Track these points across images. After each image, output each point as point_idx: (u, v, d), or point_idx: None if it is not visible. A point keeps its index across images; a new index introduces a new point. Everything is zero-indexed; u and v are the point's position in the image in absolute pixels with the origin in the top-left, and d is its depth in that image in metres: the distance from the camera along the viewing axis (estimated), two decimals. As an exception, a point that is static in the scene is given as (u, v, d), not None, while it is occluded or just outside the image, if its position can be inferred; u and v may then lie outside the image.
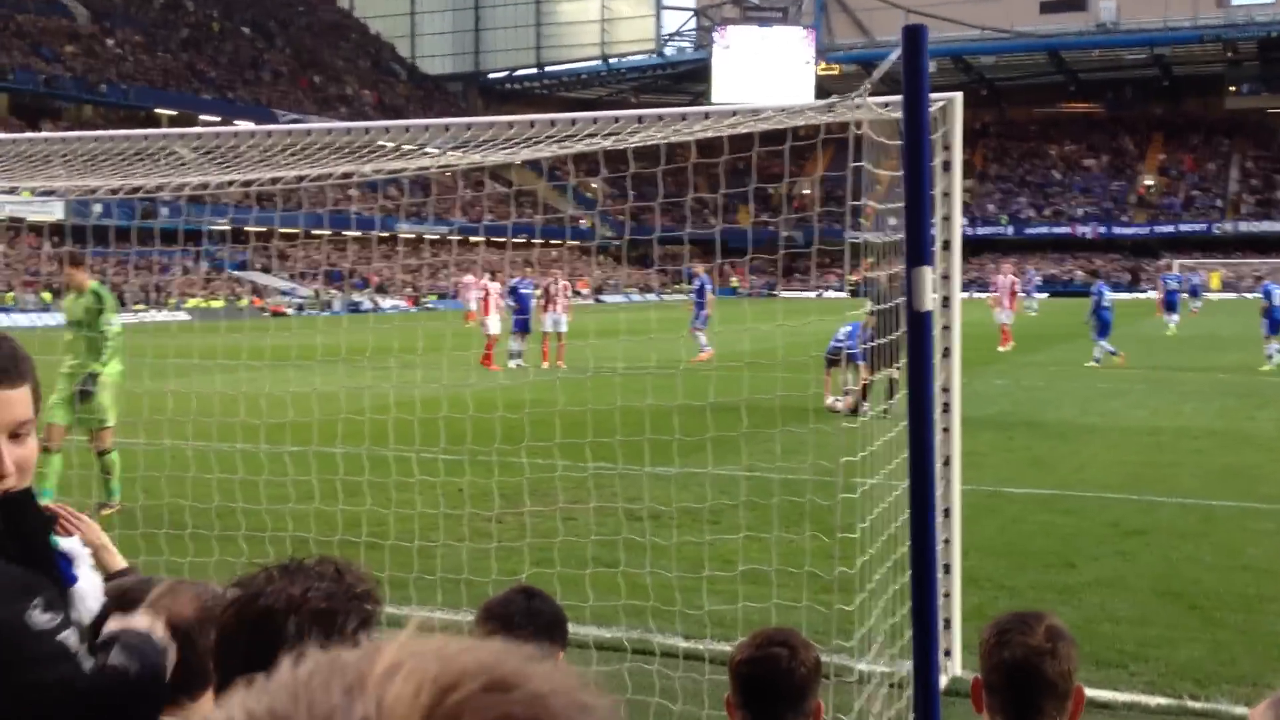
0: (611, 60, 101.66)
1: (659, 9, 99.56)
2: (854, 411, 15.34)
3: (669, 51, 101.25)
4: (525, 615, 2.97)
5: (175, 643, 2.45)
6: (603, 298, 63.27)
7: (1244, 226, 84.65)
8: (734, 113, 6.62)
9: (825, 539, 6.43)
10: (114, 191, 9.37)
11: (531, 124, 6.95)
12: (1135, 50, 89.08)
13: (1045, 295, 62.30)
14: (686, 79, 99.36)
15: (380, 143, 7.82)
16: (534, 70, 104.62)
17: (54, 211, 39.98)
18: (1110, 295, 26.25)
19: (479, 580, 6.85)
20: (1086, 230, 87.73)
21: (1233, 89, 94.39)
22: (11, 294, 47.32)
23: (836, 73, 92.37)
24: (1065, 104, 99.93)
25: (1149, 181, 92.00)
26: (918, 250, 4.23)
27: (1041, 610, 2.86)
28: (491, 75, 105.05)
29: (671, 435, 7.14)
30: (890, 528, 5.08)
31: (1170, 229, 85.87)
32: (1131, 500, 10.86)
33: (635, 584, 6.89)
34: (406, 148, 7.90)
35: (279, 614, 2.05)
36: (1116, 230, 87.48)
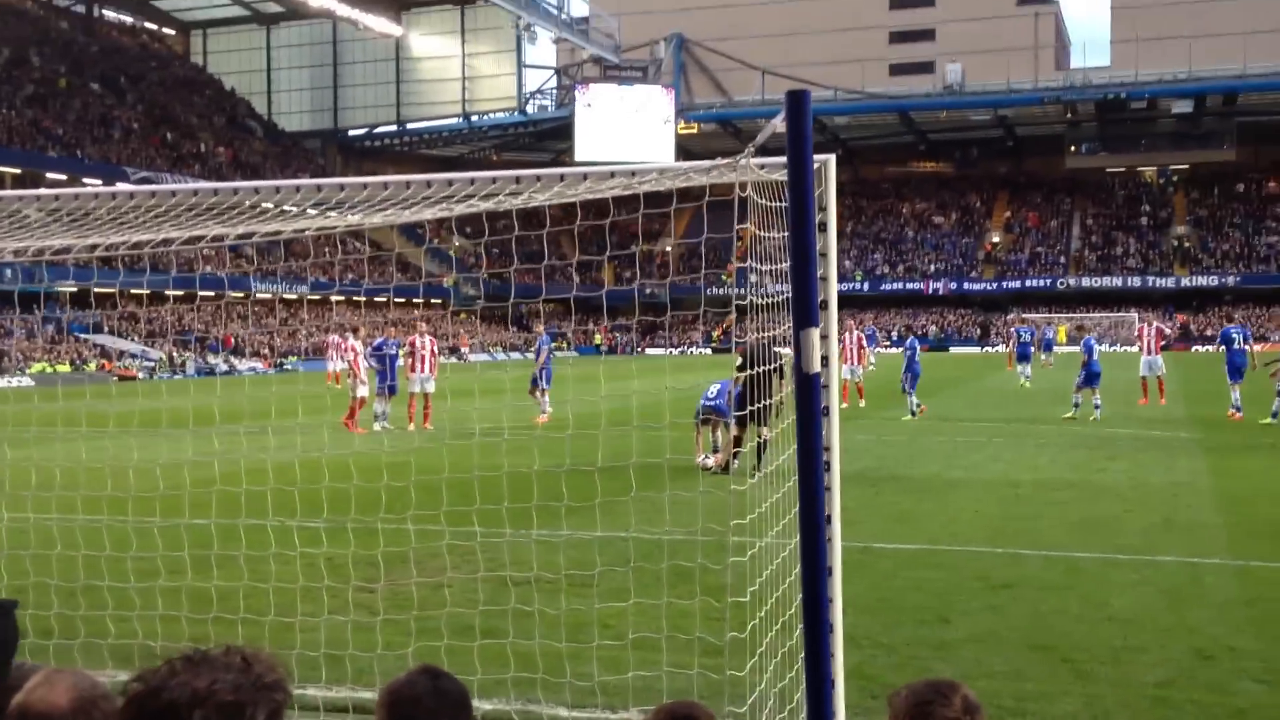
0: (473, 118, 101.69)
1: (520, 67, 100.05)
2: (725, 469, 15.42)
3: (531, 109, 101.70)
4: (433, 697, 2.84)
5: None
6: (468, 356, 62.77)
7: (1086, 281, 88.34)
8: (613, 174, 6.60)
9: (715, 603, 6.37)
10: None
11: (407, 184, 6.83)
12: (980, 111, 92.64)
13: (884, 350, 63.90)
14: (549, 136, 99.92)
15: (242, 202, 7.61)
16: (394, 127, 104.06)
17: (-112, 273, 38.32)
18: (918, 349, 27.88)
19: (363, 655, 6.61)
20: (939, 286, 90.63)
21: (1073, 149, 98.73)
22: None
23: (696, 131, 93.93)
24: (916, 163, 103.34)
25: (996, 238, 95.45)
26: (805, 312, 4.25)
27: (953, 680, 2.83)
28: (351, 132, 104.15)
29: (560, 500, 7.02)
30: (779, 589, 5.05)
31: (1017, 284, 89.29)
32: (998, 553, 11.06)
33: (523, 654, 6.71)
34: (264, 206, 7.70)
35: (183, 708, 1.96)
36: (967, 286, 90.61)
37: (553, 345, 26.60)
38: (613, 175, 6.32)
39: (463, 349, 58.84)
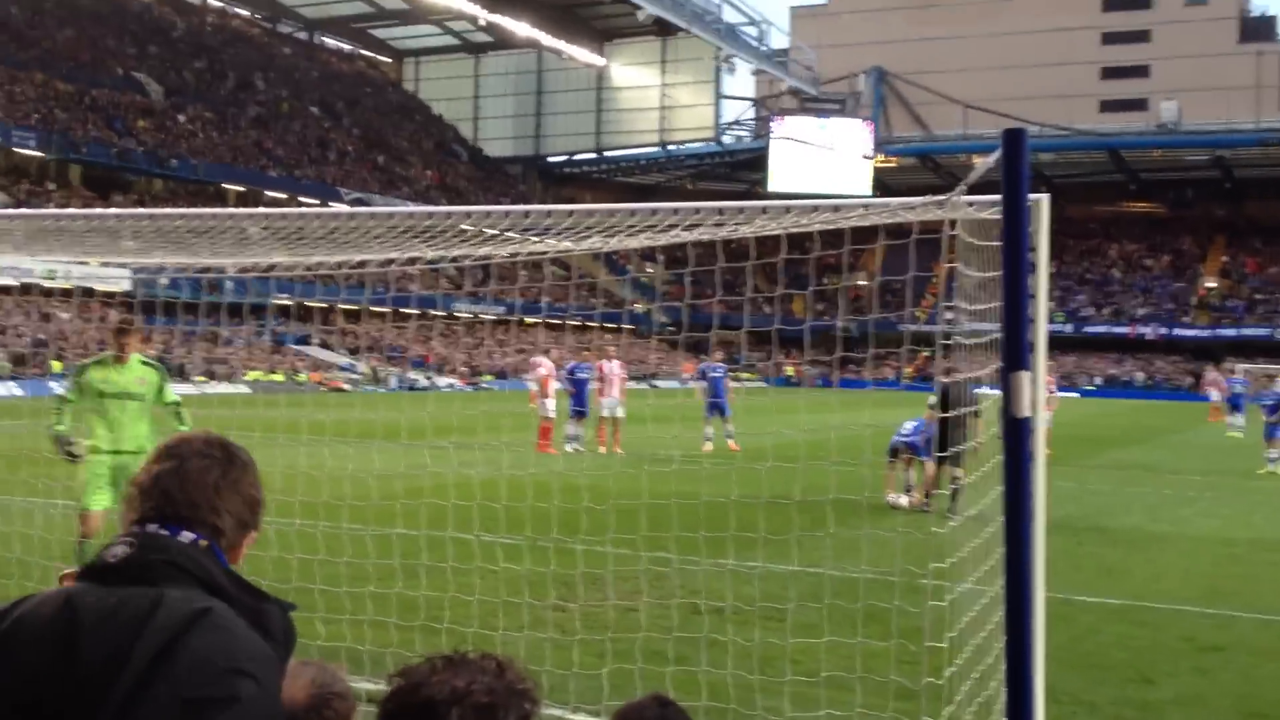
0: (670, 147, 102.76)
1: (718, 98, 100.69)
2: (925, 507, 15.13)
3: (727, 140, 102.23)
4: None
5: None
6: (657, 383, 63.26)
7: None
8: (815, 208, 6.58)
9: (912, 647, 6.24)
10: (173, 279, 9.46)
11: (611, 213, 6.95)
12: (1197, 151, 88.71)
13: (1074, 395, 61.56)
14: (744, 167, 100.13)
15: (450, 227, 7.85)
16: (593, 155, 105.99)
17: (122, 283, 40.77)
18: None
19: (558, 672, 6.70)
20: (1147, 331, 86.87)
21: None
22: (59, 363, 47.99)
23: (894, 165, 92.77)
24: (1126, 203, 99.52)
25: (1211, 283, 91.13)
26: (1015, 355, 4.14)
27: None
28: (551, 159, 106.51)
29: (757, 532, 7.00)
30: (977, 638, 4.92)
31: (1233, 333, 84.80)
32: (1208, 614, 10.52)
33: (713, 683, 6.69)
34: (466, 228, 7.92)
35: (441, 705, 2.09)
36: (1178, 332, 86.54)
37: (722, 375, 26.47)
38: (816, 209, 6.31)
39: (687, 373, 59.32)
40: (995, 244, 4.28)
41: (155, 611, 1.95)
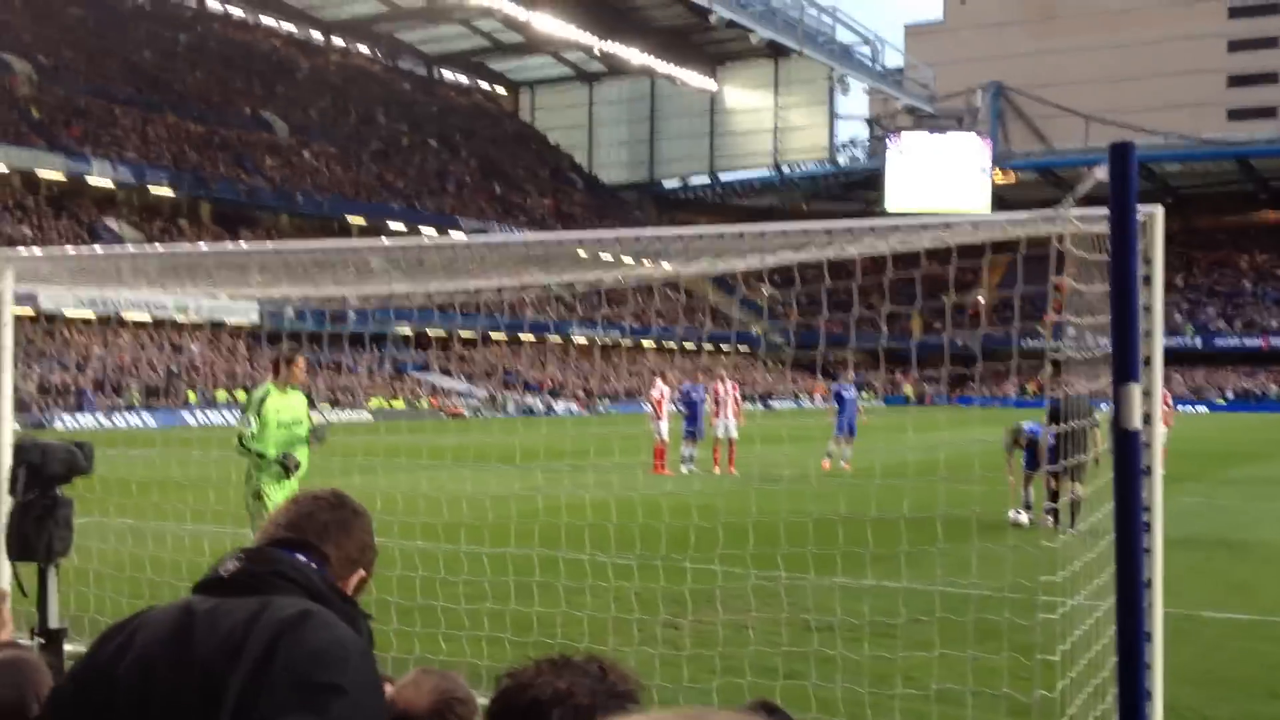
0: (784, 168, 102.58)
1: (832, 118, 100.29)
2: (1054, 519, 14.87)
3: (841, 160, 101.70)
4: None
5: None
6: (771, 403, 63.07)
7: None
8: (924, 226, 6.60)
9: (1023, 660, 6.21)
10: (299, 310, 9.82)
11: (721, 235, 7.06)
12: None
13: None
14: (859, 186, 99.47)
15: (565, 254, 8.03)
16: (707, 179, 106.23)
17: (250, 315, 42.03)
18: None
19: (669, 687, 6.82)
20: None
21: None
22: (222, 392, 49.58)
23: (1014, 180, 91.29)
24: (1255, 212, 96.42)
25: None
26: (1125, 367, 4.13)
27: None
28: (666, 184, 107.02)
29: (864, 546, 7.03)
30: (1091, 651, 4.89)
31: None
32: (1344, 631, 10.20)
33: (824, 698, 6.74)
34: (582, 255, 8.10)
35: (545, 705, 2.18)
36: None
37: (856, 396, 26.41)
38: (925, 228, 6.34)
39: (819, 394, 59.12)
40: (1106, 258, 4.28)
41: (264, 611, 2.11)
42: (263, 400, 9.44)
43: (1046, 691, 5.08)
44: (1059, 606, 5.21)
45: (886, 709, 6.42)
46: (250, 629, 2.08)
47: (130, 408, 45.78)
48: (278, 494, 9.08)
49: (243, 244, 11.34)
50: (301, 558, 2.33)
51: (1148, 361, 6.53)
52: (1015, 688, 6.03)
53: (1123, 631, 3.95)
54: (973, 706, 5.81)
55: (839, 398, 25.68)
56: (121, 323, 51.64)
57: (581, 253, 7.88)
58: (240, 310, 42.23)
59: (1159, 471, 5.99)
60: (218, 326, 41.16)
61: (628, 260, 8.72)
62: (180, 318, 50.44)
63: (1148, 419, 6.35)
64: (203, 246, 8.93)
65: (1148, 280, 6.43)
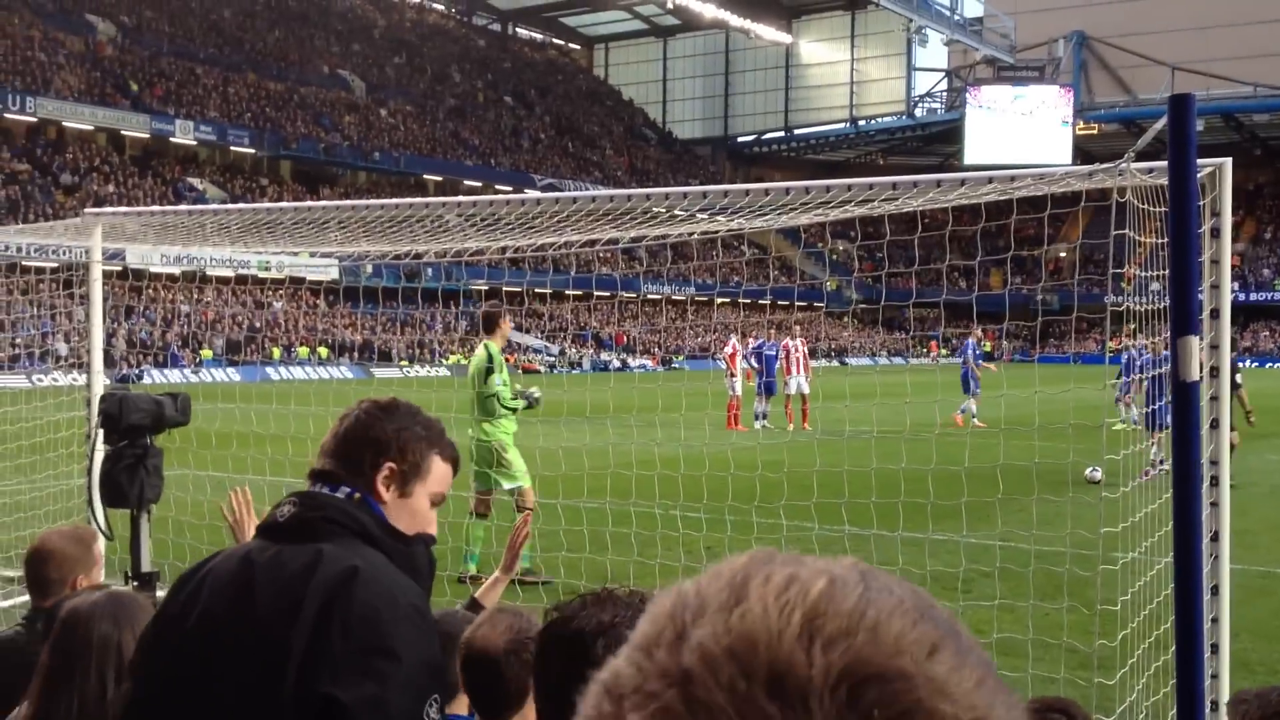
0: (860, 123, 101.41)
1: (910, 71, 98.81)
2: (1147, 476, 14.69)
3: (919, 113, 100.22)
4: None
5: (483, 671, 2.75)
6: (848, 359, 62.76)
7: None
8: (990, 179, 6.60)
9: (1084, 611, 6.26)
10: (377, 266, 10.02)
11: (787, 190, 7.11)
12: None
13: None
14: (937, 140, 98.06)
15: (641, 209, 8.11)
16: (782, 133, 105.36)
17: (330, 272, 42.61)
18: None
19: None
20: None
21: None
22: (305, 348, 50.50)
23: (1096, 132, 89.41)
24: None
25: None
26: (1184, 320, 4.16)
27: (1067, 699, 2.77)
28: (740, 139, 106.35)
29: (926, 499, 7.09)
30: (1153, 603, 4.94)
31: None
32: None
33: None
34: (656, 210, 8.18)
35: (589, 636, 2.28)
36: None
37: (977, 350, 26.36)
38: (990, 181, 6.35)
39: (934, 352, 58.68)
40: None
41: (317, 565, 2.28)
42: (500, 360, 10.21)
43: (1107, 642, 5.14)
44: (1119, 559, 5.25)
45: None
46: (305, 588, 2.25)
47: (215, 362, 46.76)
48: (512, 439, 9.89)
49: (321, 202, 11.56)
50: (346, 490, 2.46)
51: (1216, 314, 6.50)
52: (1075, 638, 6.08)
53: (1181, 583, 3.99)
54: (1033, 657, 5.87)
55: (965, 351, 25.73)
56: (205, 279, 52.66)
57: (659, 209, 7.96)
58: (319, 267, 42.81)
59: (1226, 425, 5.97)
60: (297, 283, 41.79)
61: (701, 216, 8.79)
62: (262, 274, 51.29)
63: (1215, 371, 6.33)
64: (283, 205, 9.14)
65: (1216, 233, 6.40)
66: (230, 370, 45.89)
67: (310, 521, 2.39)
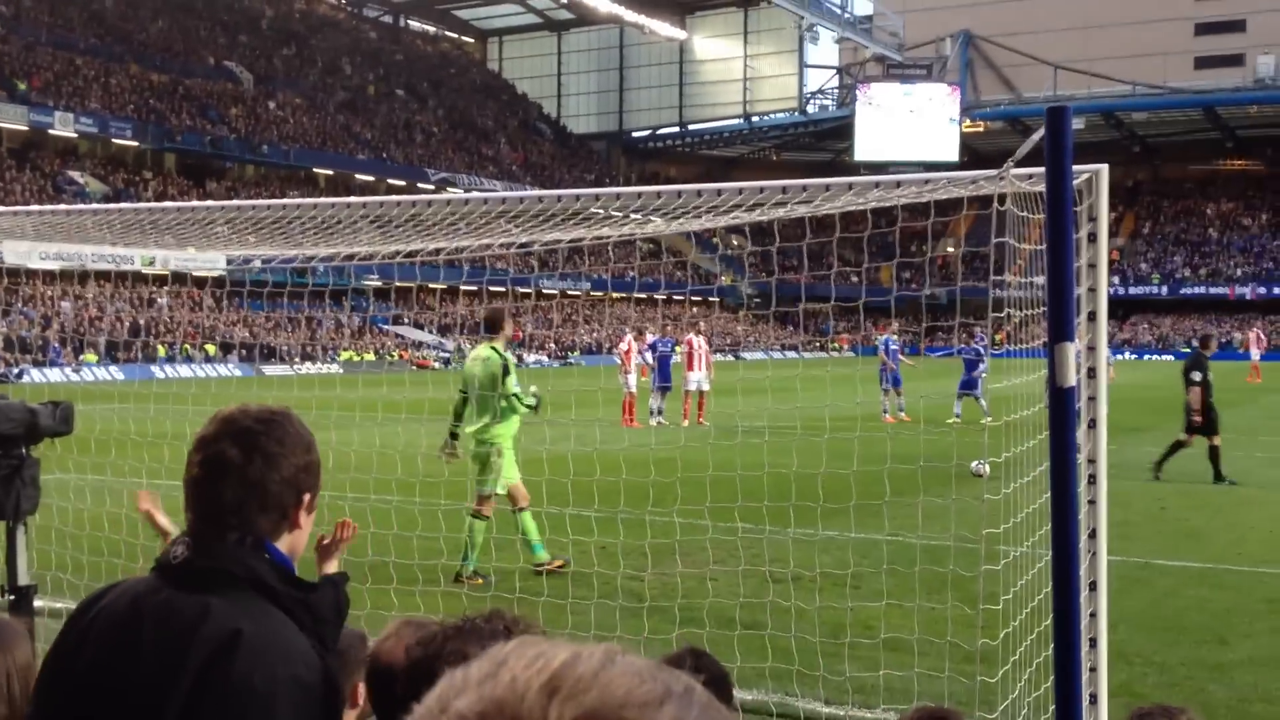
0: (754, 118, 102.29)
1: (802, 68, 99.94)
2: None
3: (811, 109, 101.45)
4: (692, 674, 3.12)
5: (387, 683, 2.74)
6: (743, 354, 63.29)
7: None
8: (877, 184, 6.71)
9: (968, 609, 6.41)
10: (266, 262, 9.87)
11: (679, 194, 7.14)
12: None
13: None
14: (829, 136, 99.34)
15: (539, 210, 8.08)
16: (676, 129, 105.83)
17: (217, 266, 41.73)
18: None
19: (630, 638, 7.01)
20: (1245, 291, 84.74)
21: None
22: (187, 345, 49.40)
23: (982, 129, 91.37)
24: (1222, 161, 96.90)
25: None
26: (1060, 327, 4.28)
27: (1183, 706, 2.87)
28: (635, 134, 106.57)
29: (816, 501, 7.19)
30: (1035, 599, 5.08)
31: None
32: (1290, 575, 10.49)
33: (779, 647, 6.95)
34: (550, 211, 8.14)
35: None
36: (1278, 290, 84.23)
37: (896, 348, 26.68)
38: (877, 186, 6.46)
39: (843, 345, 59.15)
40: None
41: (199, 628, 2.19)
42: (512, 361, 10.22)
43: (989, 639, 5.27)
44: (1002, 557, 5.38)
45: (838, 656, 6.63)
46: (187, 650, 2.17)
47: (98, 362, 45.54)
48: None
49: (207, 202, 11.35)
50: (236, 536, 2.31)
51: (1093, 316, 6.69)
52: (960, 636, 6.23)
53: (1058, 580, 4.11)
54: (919, 654, 6.01)
55: (884, 348, 26.04)
56: (85, 275, 51.24)
57: (553, 211, 7.92)
58: (206, 263, 41.93)
59: (1104, 425, 6.15)
60: (182, 279, 40.87)
61: (597, 211, 8.79)
62: (146, 270, 50.08)
63: (1092, 373, 6.51)
64: (165, 205, 8.93)
65: (1093, 238, 6.58)
66: (113, 369, 44.73)
67: (200, 571, 2.29)
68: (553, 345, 63.14)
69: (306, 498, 2.40)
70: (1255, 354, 49.17)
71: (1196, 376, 17.01)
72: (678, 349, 25.90)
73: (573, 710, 0.75)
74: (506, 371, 10.04)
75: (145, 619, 2.25)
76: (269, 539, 2.36)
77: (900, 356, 26.89)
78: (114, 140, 63.08)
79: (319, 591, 2.38)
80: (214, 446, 2.36)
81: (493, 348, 10.18)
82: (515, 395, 10.03)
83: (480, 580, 9.45)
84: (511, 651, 0.83)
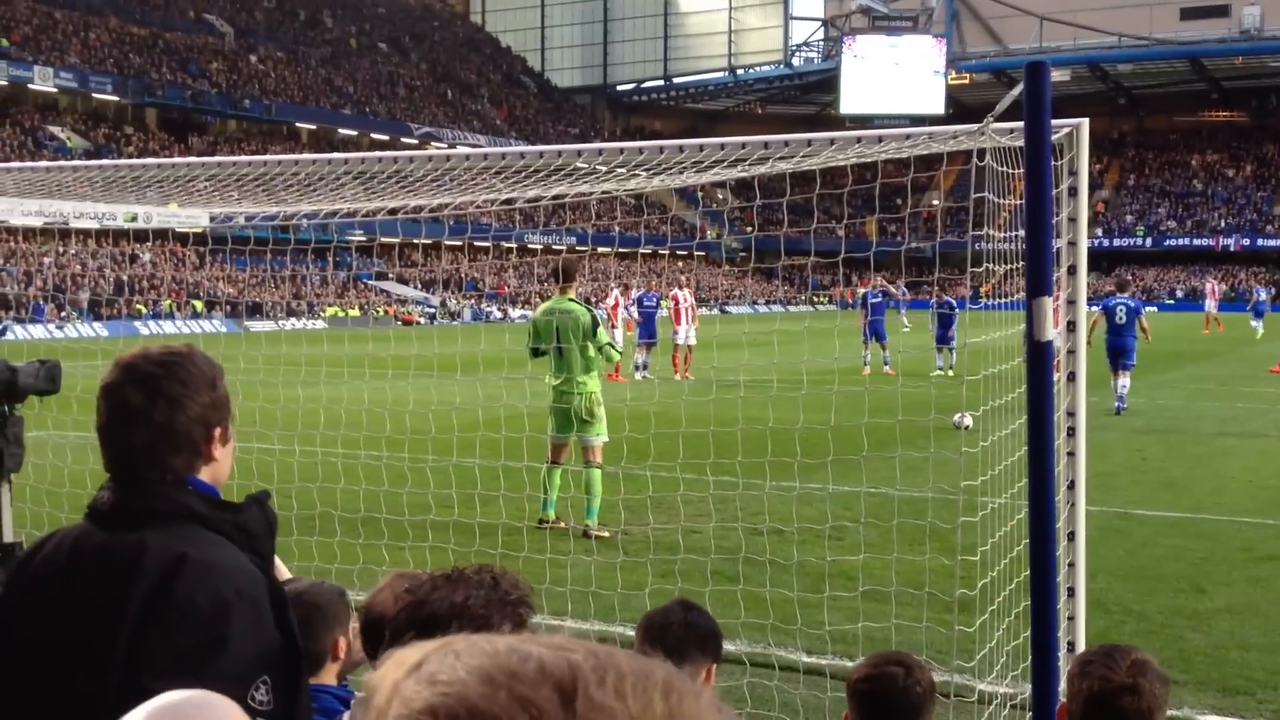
0: (739, 71, 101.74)
1: (787, 20, 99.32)
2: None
3: (796, 62, 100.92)
4: (683, 626, 3.20)
5: (379, 635, 2.82)
6: (728, 308, 63.35)
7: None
8: (859, 139, 6.72)
9: (946, 560, 6.50)
10: (249, 219, 9.83)
11: (661, 149, 7.13)
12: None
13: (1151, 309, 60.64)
14: (814, 89, 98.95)
15: (524, 165, 8.06)
16: (661, 82, 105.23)
17: (201, 222, 41.48)
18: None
19: (605, 592, 7.08)
20: (1229, 242, 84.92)
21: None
22: (170, 302, 49.20)
23: (968, 81, 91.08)
24: (1207, 113, 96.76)
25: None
26: (1039, 282, 4.31)
27: (1133, 645, 2.93)
28: (620, 87, 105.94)
29: (794, 456, 7.25)
30: (1014, 550, 5.15)
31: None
32: (1267, 525, 10.61)
33: (756, 600, 7.04)
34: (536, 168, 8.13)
35: (443, 618, 2.36)
36: (1261, 242, 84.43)
37: (880, 300, 26.58)
38: (859, 141, 6.46)
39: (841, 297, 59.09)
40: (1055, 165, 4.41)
41: (140, 561, 2.21)
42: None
43: (967, 590, 5.34)
44: (980, 508, 5.45)
45: (816, 607, 6.72)
46: (130, 585, 2.18)
47: (81, 317, 45.37)
48: None
49: (189, 158, 11.27)
50: (159, 473, 2.33)
51: (1073, 270, 6.73)
52: (938, 586, 6.31)
53: (1035, 532, 4.18)
54: (898, 604, 6.10)
55: (864, 301, 25.95)
56: (68, 232, 50.91)
57: (536, 167, 7.90)
58: (189, 219, 41.70)
59: (1083, 378, 6.20)
60: (164, 235, 40.65)
61: (582, 166, 8.77)
62: (129, 225, 49.79)
63: (1072, 326, 6.56)
64: (146, 161, 8.89)
65: (1073, 191, 6.61)
66: (97, 325, 44.53)
67: (131, 511, 2.31)
68: (536, 299, 63.11)
69: (217, 431, 2.40)
70: (1210, 305, 49.54)
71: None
72: (664, 303, 25.92)
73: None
74: (596, 324, 10.08)
75: (85, 561, 2.28)
76: (188, 474, 2.37)
77: (902, 314, 26.89)
78: (94, 95, 62.49)
79: (248, 511, 2.40)
80: (118, 394, 2.36)
81: (572, 300, 10.20)
82: (610, 344, 10.18)
83: (561, 524, 9.80)
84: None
